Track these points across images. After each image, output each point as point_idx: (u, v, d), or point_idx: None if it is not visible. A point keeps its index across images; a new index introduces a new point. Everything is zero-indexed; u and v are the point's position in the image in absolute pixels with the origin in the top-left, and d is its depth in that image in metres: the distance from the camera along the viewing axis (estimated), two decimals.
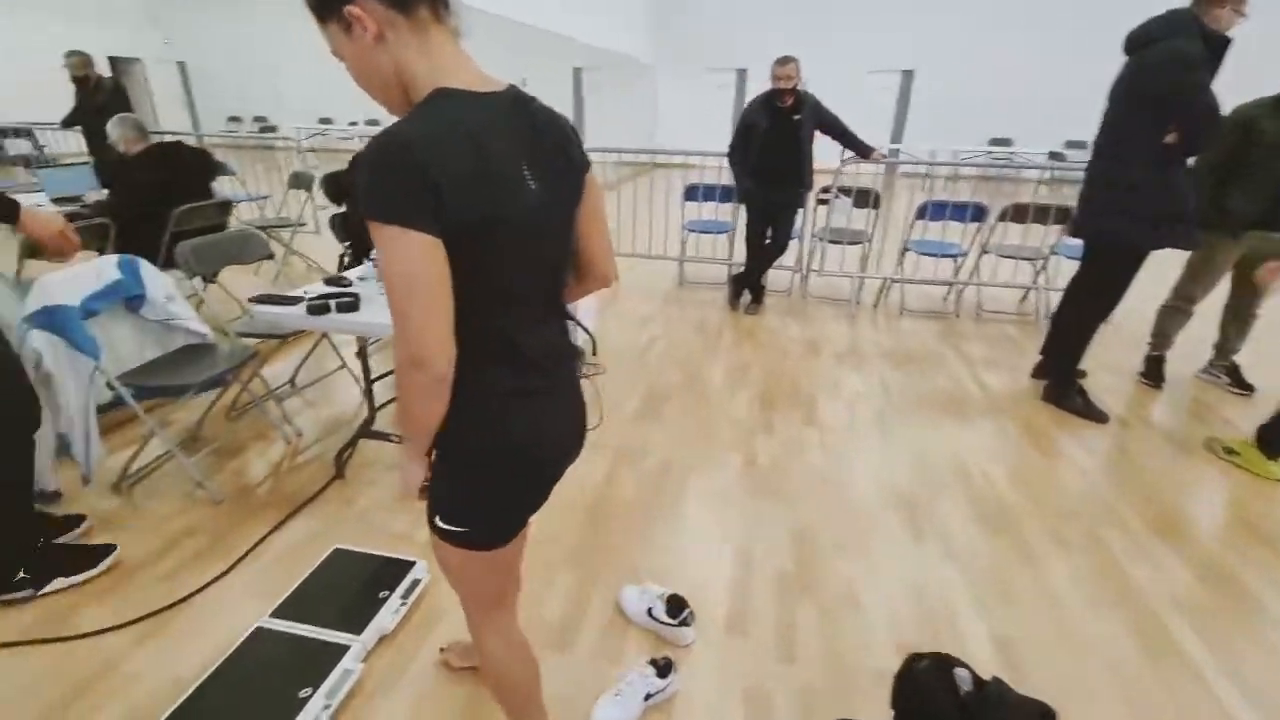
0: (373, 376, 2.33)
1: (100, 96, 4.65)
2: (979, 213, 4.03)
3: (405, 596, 1.70)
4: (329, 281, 2.12)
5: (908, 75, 12.46)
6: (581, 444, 1.09)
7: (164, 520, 2.02)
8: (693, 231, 4.68)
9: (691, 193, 4.62)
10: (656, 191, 5.28)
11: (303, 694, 1.40)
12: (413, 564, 1.80)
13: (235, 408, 2.67)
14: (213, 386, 2.28)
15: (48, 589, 1.71)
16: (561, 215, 0.91)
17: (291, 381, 2.95)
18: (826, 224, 4.35)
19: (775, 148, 3.62)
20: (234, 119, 14.19)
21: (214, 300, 2.86)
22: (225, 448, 2.44)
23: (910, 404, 2.97)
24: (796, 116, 3.59)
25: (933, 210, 4.05)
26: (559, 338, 0.99)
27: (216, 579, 1.80)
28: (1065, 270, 3.48)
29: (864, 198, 4.17)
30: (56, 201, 3.67)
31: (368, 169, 0.72)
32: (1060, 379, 2.95)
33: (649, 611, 1.64)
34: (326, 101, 13.87)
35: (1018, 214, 3.96)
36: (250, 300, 1.90)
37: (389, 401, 2.61)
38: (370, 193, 0.72)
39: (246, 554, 1.90)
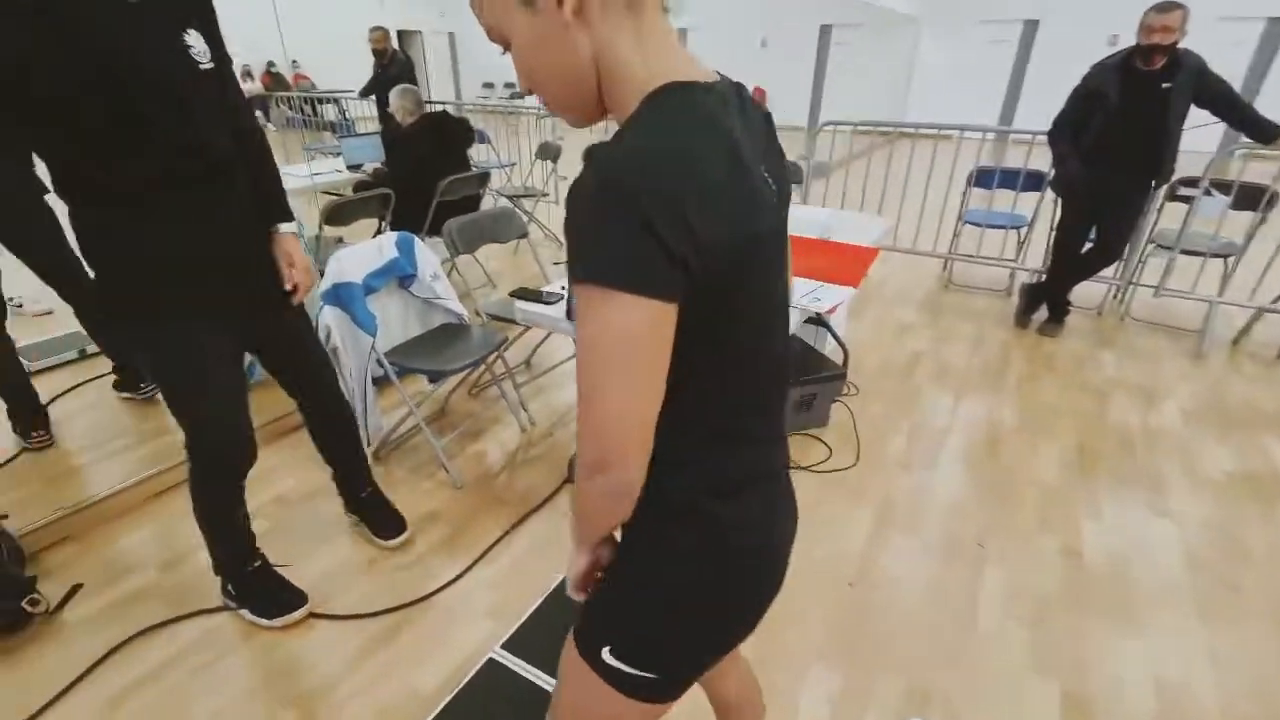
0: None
1: (394, 69, 5.13)
2: None
3: None
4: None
5: (1276, 23, 9.46)
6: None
7: (412, 501, 2.04)
8: (972, 224, 3.89)
9: (984, 178, 3.81)
10: (907, 167, 4.36)
11: None
12: None
13: (477, 385, 2.70)
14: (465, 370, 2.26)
15: (241, 613, 1.62)
16: (786, 233, 0.69)
17: (527, 363, 2.93)
18: (1181, 228, 3.27)
19: (1128, 125, 2.74)
20: (488, 85, 15.51)
21: (461, 265, 2.91)
22: (467, 430, 2.46)
23: None
24: (1167, 85, 2.67)
25: None
26: (783, 401, 0.75)
27: (454, 580, 1.75)
28: None
29: (1248, 197, 3.06)
30: (350, 168, 4.07)
31: (590, 208, 0.51)
32: None
33: None
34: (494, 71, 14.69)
35: None
36: (511, 294, 1.77)
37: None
38: (592, 244, 0.51)
39: (482, 556, 1.83)
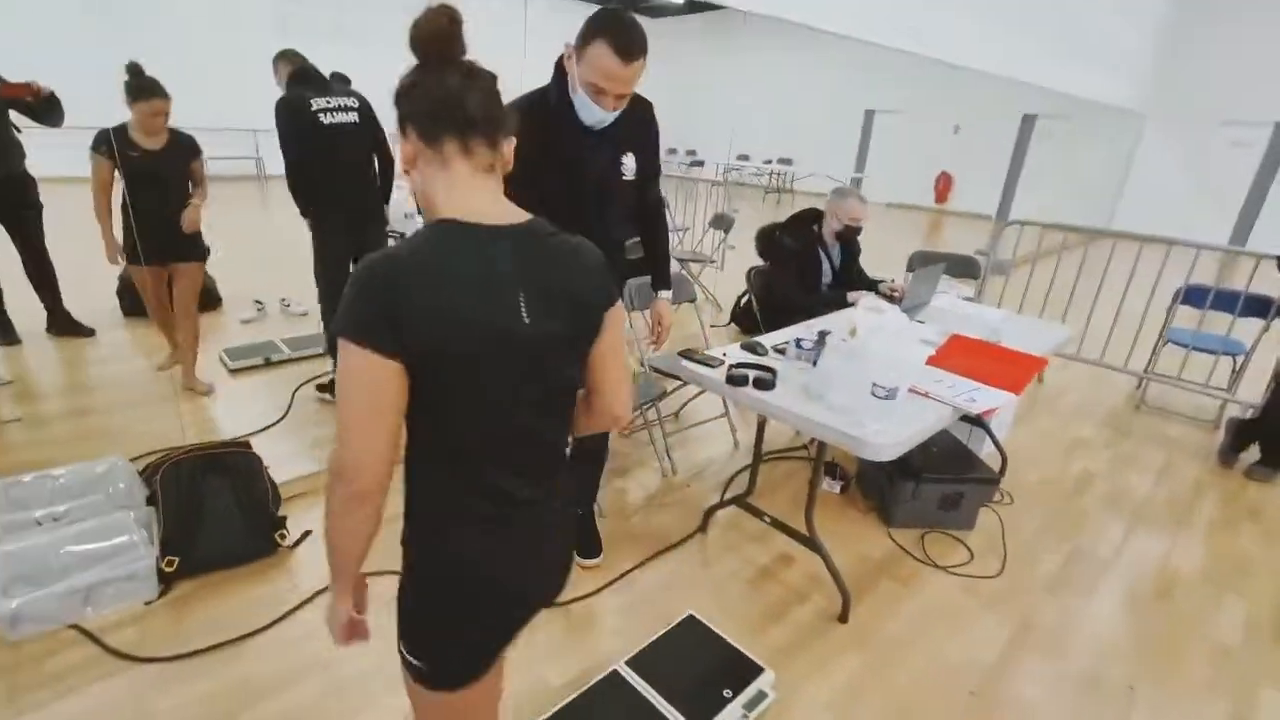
0: (764, 452, 2.27)
1: None
2: None
3: (749, 708, 1.56)
4: (746, 347, 2.12)
5: None
6: (557, 587, 1.01)
7: None
8: (1176, 344, 3.55)
9: (1195, 295, 3.49)
10: (1103, 271, 4.03)
11: None
12: (761, 671, 1.65)
13: (630, 428, 2.96)
14: None
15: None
16: (561, 349, 0.85)
17: (676, 415, 3.16)
18: None
19: None
20: (670, 150, 16.61)
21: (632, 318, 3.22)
22: (614, 466, 2.71)
23: None
24: None
25: None
26: (541, 469, 0.91)
27: (586, 596, 1.96)
28: None
29: None
30: None
31: (350, 283, 0.74)
32: None
33: None
34: (749, 139, 15.33)
35: None
36: (679, 354, 2.00)
37: (746, 467, 2.54)
38: (344, 307, 0.74)
39: (614, 581, 2.03)
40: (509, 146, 0.84)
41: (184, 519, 1.93)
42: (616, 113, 1.53)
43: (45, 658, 1.63)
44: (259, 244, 3.21)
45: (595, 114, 1.51)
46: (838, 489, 2.59)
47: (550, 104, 1.55)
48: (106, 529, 1.87)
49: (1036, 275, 3.94)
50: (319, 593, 1.89)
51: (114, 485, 2.05)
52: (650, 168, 1.78)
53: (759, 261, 3.32)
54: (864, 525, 2.41)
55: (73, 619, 1.72)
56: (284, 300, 4.32)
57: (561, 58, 1.54)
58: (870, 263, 3.11)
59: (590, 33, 1.42)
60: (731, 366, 1.89)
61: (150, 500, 2.04)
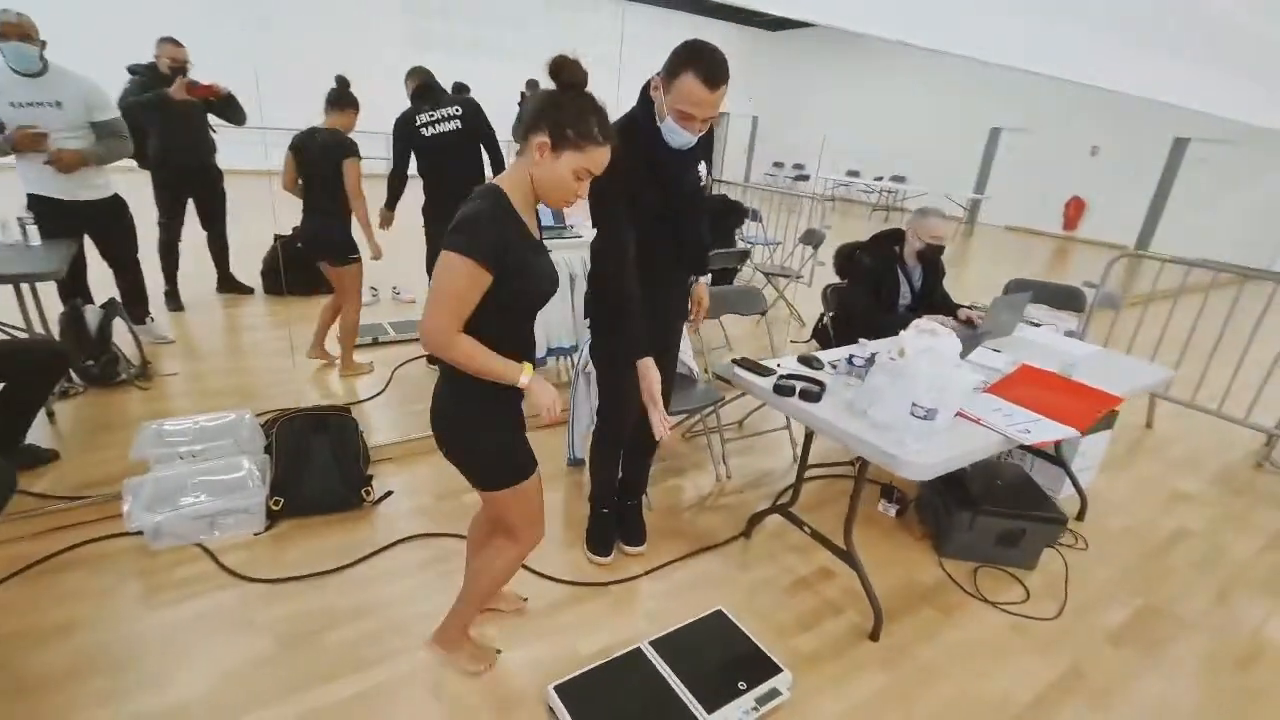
0: (809, 464, 2.30)
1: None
2: None
3: (760, 702, 1.62)
4: (803, 360, 2.17)
5: None
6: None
7: None
8: None
9: None
10: (1227, 313, 3.66)
11: None
12: (779, 671, 1.70)
13: (690, 431, 3.05)
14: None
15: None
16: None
17: (740, 423, 3.21)
18: None
19: None
20: (777, 164, 16.45)
21: (704, 327, 3.32)
22: (672, 465, 2.81)
23: None
24: None
25: None
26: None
27: (629, 579, 2.08)
28: None
29: None
30: None
31: (470, 219, 1.23)
32: None
33: None
34: (861, 154, 14.89)
35: None
36: (733, 361, 2.08)
37: (805, 480, 2.57)
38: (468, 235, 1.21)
39: (653, 570, 2.14)
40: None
41: (291, 466, 2.25)
42: (698, 137, 1.65)
43: (175, 567, 1.97)
44: (380, 237, 3.61)
45: (683, 138, 1.62)
46: (893, 512, 2.56)
47: (641, 128, 1.66)
48: (229, 468, 2.22)
49: (1174, 314, 3.59)
50: (391, 544, 2.14)
51: (240, 434, 2.42)
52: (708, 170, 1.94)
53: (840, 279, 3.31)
54: (916, 551, 2.37)
55: (198, 539, 2.07)
56: (395, 289, 4.78)
57: (647, 86, 1.67)
58: (975, 287, 3.02)
59: (679, 64, 1.54)
60: (781, 377, 1.95)
61: (267, 449, 2.38)
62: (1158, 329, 3.70)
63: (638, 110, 1.71)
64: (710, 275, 2.09)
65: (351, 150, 3.08)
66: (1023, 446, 2.41)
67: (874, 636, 1.92)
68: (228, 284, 4.39)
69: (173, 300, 4.08)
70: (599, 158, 1.26)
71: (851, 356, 1.98)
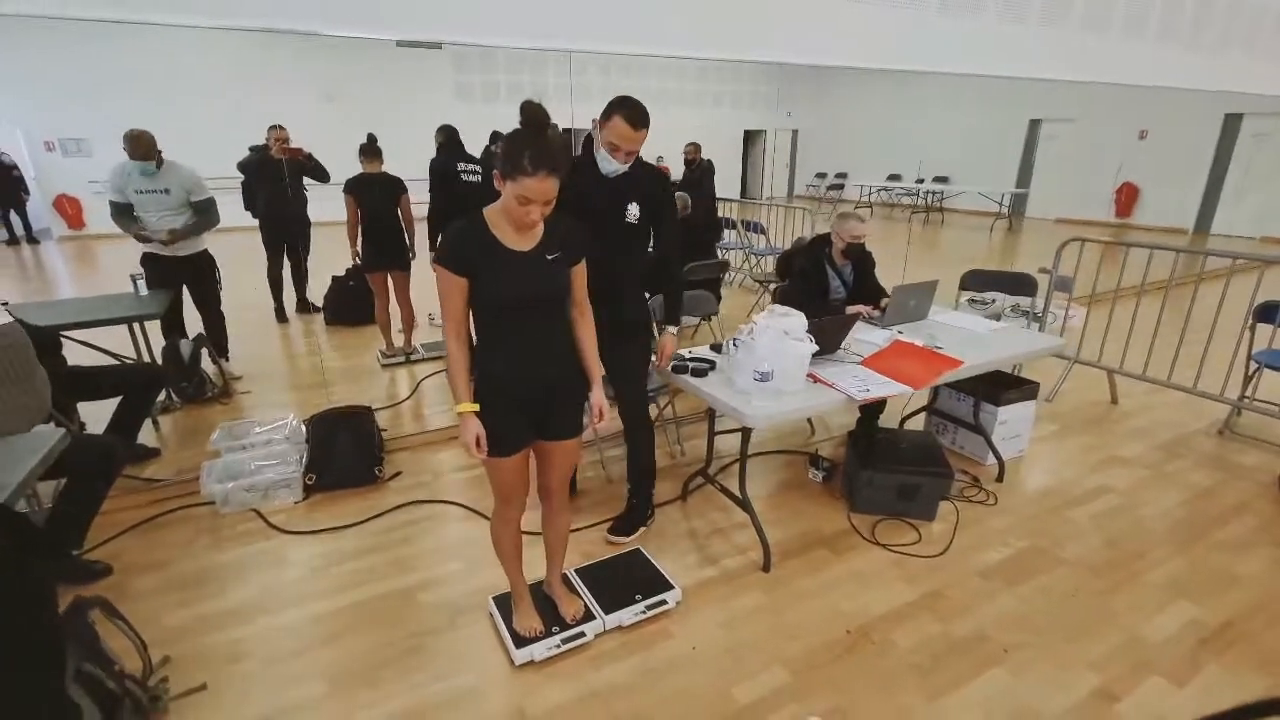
0: (716, 431, 2.73)
1: (696, 174, 6.46)
2: None
3: (649, 609, 2.08)
4: (713, 347, 2.62)
5: None
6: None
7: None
8: (1267, 366, 3.29)
9: (1268, 314, 3.26)
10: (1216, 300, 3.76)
11: (553, 629, 1.97)
12: (670, 588, 2.15)
13: (659, 420, 3.53)
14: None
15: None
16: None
17: (706, 410, 3.65)
18: None
19: None
20: (820, 175, 16.64)
21: None
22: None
23: None
24: None
25: None
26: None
27: (577, 529, 2.56)
28: None
29: None
30: None
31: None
32: None
33: None
34: (900, 160, 14.90)
35: None
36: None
37: (731, 464, 2.98)
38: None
39: (597, 523, 2.62)
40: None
41: (321, 450, 2.91)
42: (626, 166, 2.09)
43: (236, 524, 2.64)
44: (423, 269, 4.25)
45: (612, 165, 2.08)
46: (820, 478, 2.93)
47: (581, 162, 2.14)
48: (277, 454, 2.89)
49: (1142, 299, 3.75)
50: (395, 508, 2.73)
51: (286, 431, 3.11)
52: (655, 218, 2.24)
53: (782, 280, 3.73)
54: (831, 509, 2.74)
55: (254, 505, 2.74)
56: (431, 315, 5.52)
57: (589, 133, 2.18)
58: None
59: (611, 109, 2.04)
60: (682, 360, 2.42)
61: (307, 440, 3.05)
62: (1135, 318, 3.87)
63: (584, 150, 2.20)
64: (677, 327, 2.39)
65: (404, 186, 4.32)
66: (938, 414, 2.79)
67: (765, 568, 2.33)
68: (303, 306, 5.69)
69: (280, 315, 5.43)
70: (531, 185, 1.45)
71: (735, 339, 2.43)
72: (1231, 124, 10.57)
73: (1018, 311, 4.45)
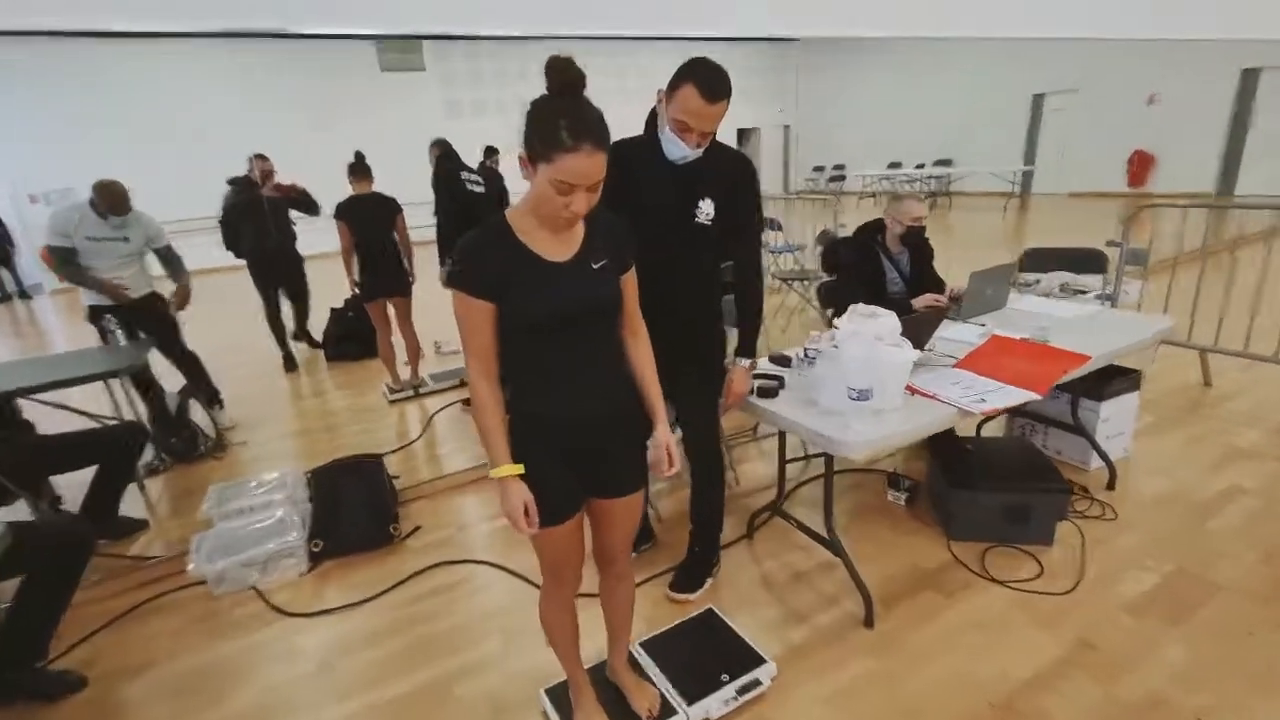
0: (787, 458, 2.34)
1: None
2: None
3: (741, 692, 1.68)
4: (774, 359, 2.24)
5: None
6: None
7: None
8: None
9: None
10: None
11: None
12: (762, 662, 1.76)
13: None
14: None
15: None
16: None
17: (753, 429, 3.26)
18: None
19: None
20: (818, 168, 16.29)
21: None
22: (683, 478, 2.90)
23: None
24: None
25: None
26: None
27: (641, 583, 2.17)
28: None
29: None
30: None
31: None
32: None
33: None
34: (900, 147, 14.53)
35: None
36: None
37: (805, 482, 2.59)
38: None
39: (654, 576, 2.22)
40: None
41: (327, 511, 2.52)
42: (699, 150, 1.64)
43: (233, 609, 2.25)
44: (425, 293, 3.93)
45: (680, 150, 1.63)
46: (903, 500, 2.54)
47: (636, 144, 1.71)
48: (275, 518, 2.51)
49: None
50: (417, 573, 2.35)
51: (286, 489, 2.73)
52: (733, 219, 1.78)
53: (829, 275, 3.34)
54: (924, 538, 2.35)
55: (252, 583, 2.35)
56: (437, 343, 5.15)
57: (654, 108, 1.70)
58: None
59: (680, 77, 1.58)
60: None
61: (311, 498, 2.67)
62: (1205, 285, 3.47)
63: (644, 131, 1.74)
64: (752, 360, 1.91)
65: (398, 206, 3.95)
66: (1025, 415, 2.39)
67: (868, 624, 1.93)
68: (304, 337, 5.30)
69: (290, 363, 4.94)
70: (573, 165, 1.09)
71: (806, 349, 2.04)
72: (1249, 79, 10.17)
73: (1068, 290, 4.05)
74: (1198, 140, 10.72)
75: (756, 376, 2.02)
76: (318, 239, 4.89)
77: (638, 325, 1.41)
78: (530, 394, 1.30)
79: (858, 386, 1.63)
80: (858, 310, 1.79)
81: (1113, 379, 2.64)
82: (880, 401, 1.67)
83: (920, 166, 13.71)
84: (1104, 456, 2.56)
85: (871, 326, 1.72)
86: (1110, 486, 2.53)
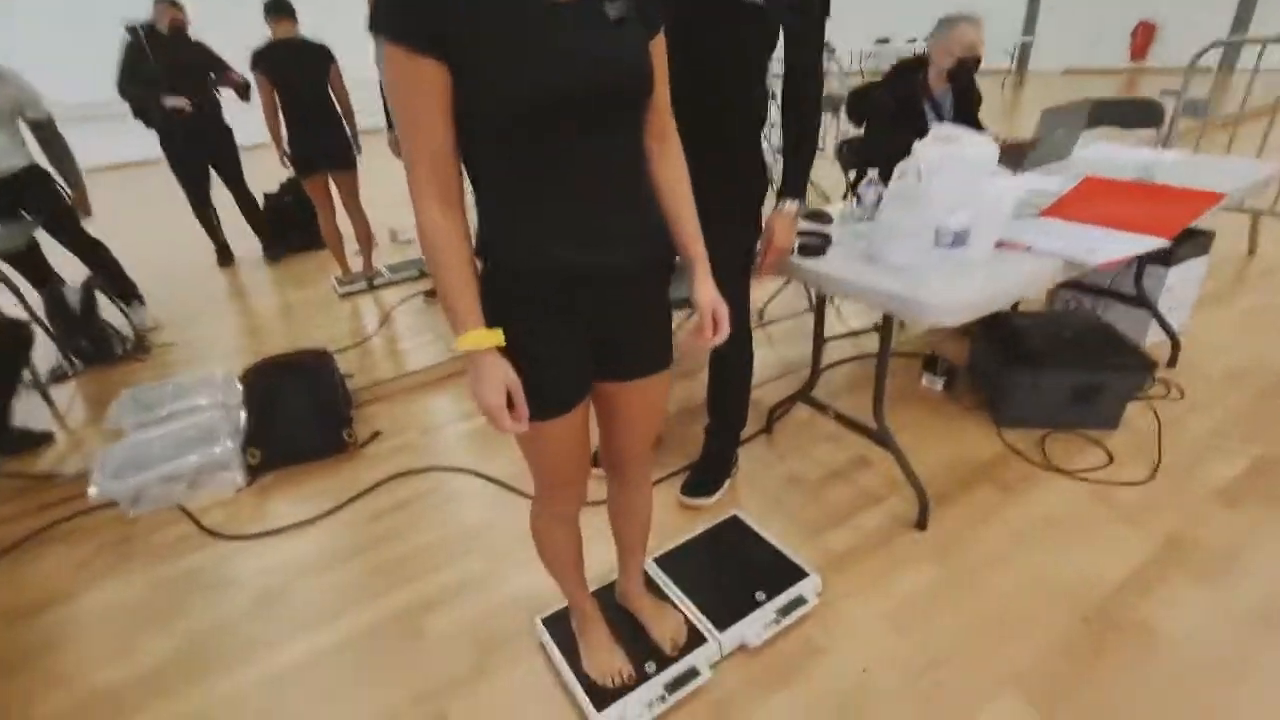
0: (825, 336, 1.95)
1: None
2: None
3: (782, 614, 1.37)
4: (810, 216, 1.79)
5: None
6: None
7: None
8: None
9: None
10: None
11: (646, 667, 1.26)
12: (804, 575, 1.45)
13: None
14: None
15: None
16: None
17: (760, 313, 2.87)
18: None
19: None
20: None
21: None
22: (682, 369, 2.51)
23: None
24: None
25: None
26: None
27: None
28: None
29: None
30: None
31: None
32: None
33: None
34: (888, 21, 13.36)
35: None
36: None
37: (837, 363, 2.23)
38: None
39: (663, 479, 1.88)
40: None
41: (263, 416, 2.09)
42: None
43: (152, 533, 1.85)
44: (377, 184, 3.39)
45: None
46: (940, 385, 2.20)
47: None
48: (201, 425, 2.07)
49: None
50: (378, 484, 1.97)
51: (214, 391, 2.27)
52: (789, 5, 1.26)
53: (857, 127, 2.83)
54: (969, 424, 2.03)
55: (177, 501, 1.95)
56: (393, 231, 4.54)
57: None
58: None
59: None
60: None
61: (244, 402, 2.23)
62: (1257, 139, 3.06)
63: None
64: (801, 202, 1.41)
65: (332, 55, 3.20)
66: (1082, 287, 2.03)
67: (920, 525, 1.62)
68: (264, 232, 4.30)
69: (225, 256, 4.25)
70: None
71: (858, 195, 1.60)
72: None
73: None
74: (1206, 6, 9.96)
75: (798, 235, 1.57)
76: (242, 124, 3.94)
77: (667, 125, 0.94)
78: (512, 233, 0.84)
79: (953, 227, 1.20)
80: (939, 134, 1.33)
81: (1182, 242, 2.27)
82: (974, 248, 1.26)
83: (912, 40, 12.68)
84: (1168, 329, 2.24)
85: (962, 150, 1.27)
86: (1172, 364, 2.23)
